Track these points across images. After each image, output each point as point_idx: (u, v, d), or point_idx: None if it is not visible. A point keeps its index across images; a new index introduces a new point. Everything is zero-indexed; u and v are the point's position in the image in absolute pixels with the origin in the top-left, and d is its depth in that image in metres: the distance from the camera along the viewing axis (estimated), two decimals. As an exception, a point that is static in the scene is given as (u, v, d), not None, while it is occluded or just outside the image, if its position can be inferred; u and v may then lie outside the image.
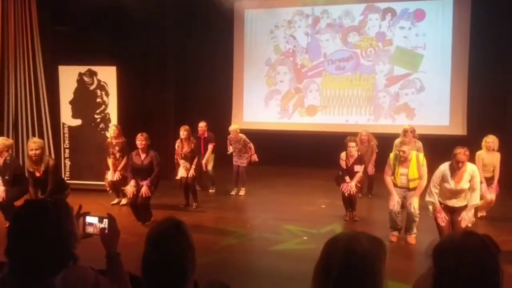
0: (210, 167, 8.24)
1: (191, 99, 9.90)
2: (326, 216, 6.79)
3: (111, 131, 7.39)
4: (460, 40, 9.51)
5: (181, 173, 7.17)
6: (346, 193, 6.39)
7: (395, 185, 5.59)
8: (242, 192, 8.17)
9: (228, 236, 5.94)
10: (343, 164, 6.52)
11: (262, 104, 10.78)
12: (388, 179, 5.62)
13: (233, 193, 8.16)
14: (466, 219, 4.91)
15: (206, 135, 8.23)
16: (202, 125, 8.23)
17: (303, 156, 9.96)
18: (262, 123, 10.46)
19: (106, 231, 2.13)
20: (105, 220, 2.14)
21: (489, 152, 6.52)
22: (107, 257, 2.09)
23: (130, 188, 6.38)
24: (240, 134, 8.07)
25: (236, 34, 10.85)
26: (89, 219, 2.17)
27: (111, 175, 7.23)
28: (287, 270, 4.66)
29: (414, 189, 5.52)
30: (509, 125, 8.60)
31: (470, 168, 4.95)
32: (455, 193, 5.01)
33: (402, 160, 5.53)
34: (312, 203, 7.52)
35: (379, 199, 7.42)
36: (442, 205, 5.08)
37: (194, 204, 7.27)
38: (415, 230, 5.55)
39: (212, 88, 10.53)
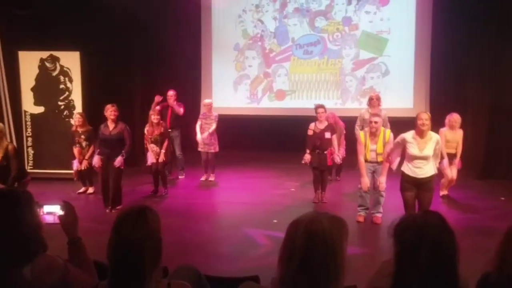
0: (178, 149, 8.20)
1: (158, 84, 9.73)
2: (296, 199, 6.89)
3: (75, 119, 7.23)
4: (423, 24, 9.71)
5: (151, 158, 7.12)
6: (303, 162, 6.55)
7: (366, 160, 5.70)
8: (212, 178, 8.17)
9: (198, 222, 5.96)
10: (310, 132, 6.60)
11: (231, 89, 10.74)
12: (362, 160, 5.70)
13: (202, 178, 8.15)
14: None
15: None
16: (171, 93, 8.17)
17: (272, 140, 10.01)
18: (231, 108, 10.41)
19: (64, 217, 2.12)
20: (61, 207, 2.13)
21: (452, 129, 6.70)
22: (69, 243, 2.09)
23: (96, 159, 6.36)
24: (213, 112, 8.07)
25: (203, 19, 10.70)
26: (45, 208, 2.15)
27: (77, 165, 7.09)
28: (256, 254, 4.72)
29: (383, 161, 5.66)
30: (469, 109, 8.90)
31: (434, 137, 4.99)
32: (420, 159, 4.96)
33: (373, 131, 5.64)
34: (281, 187, 7.61)
35: (348, 182, 7.56)
36: (408, 178, 5.02)
37: (163, 190, 7.23)
38: (381, 209, 5.70)
39: (180, 74, 10.40)
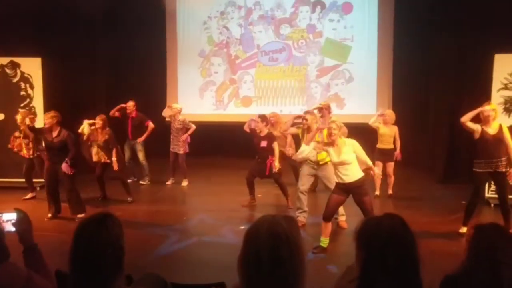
0: (141, 156, 8.10)
1: (123, 91, 9.60)
2: (262, 206, 6.93)
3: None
4: (385, 32, 9.98)
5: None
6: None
7: (307, 159, 5.76)
8: (184, 183, 8.12)
9: (164, 229, 5.90)
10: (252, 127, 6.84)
11: (197, 95, 10.72)
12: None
13: (168, 182, 8.07)
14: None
15: (134, 114, 8.13)
16: (130, 104, 8.14)
17: (239, 147, 10.01)
18: (197, 115, 10.36)
19: (18, 225, 2.08)
20: (15, 215, 2.09)
21: (386, 125, 7.16)
22: (27, 250, 2.06)
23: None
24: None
25: (168, 25, 10.66)
26: (4, 216, 2.10)
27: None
28: (223, 260, 4.70)
29: (322, 165, 5.75)
30: (431, 113, 9.21)
31: (348, 142, 5.01)
32: (341, 164, 4.97)
33: (305, 128, 5.74)
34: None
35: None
36: (338, 184, 5.02)
37: (128, 197, 7.11)
38: (343, 212, 5.76)
39: (145, 80, 10.31)
